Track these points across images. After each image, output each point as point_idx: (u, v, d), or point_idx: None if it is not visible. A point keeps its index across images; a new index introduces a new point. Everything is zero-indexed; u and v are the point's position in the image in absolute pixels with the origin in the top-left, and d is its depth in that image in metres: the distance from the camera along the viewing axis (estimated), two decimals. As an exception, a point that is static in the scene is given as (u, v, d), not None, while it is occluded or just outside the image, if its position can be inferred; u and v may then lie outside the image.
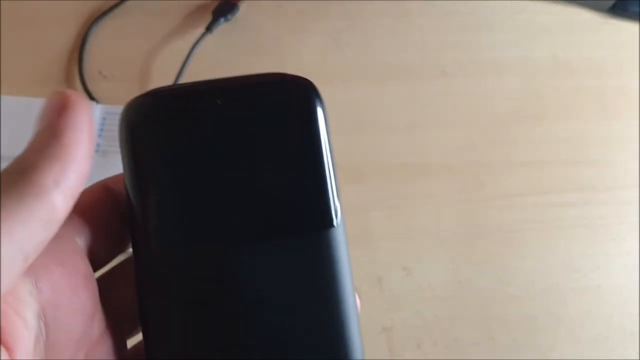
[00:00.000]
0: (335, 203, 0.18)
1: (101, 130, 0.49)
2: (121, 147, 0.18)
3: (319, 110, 0.18)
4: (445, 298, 0.44)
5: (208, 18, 0.53)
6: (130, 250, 0.18)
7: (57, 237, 0.16)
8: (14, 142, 0.48)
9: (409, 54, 0.53)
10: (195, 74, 0.52)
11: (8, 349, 0.14)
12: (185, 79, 0.51)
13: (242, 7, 0.55)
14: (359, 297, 0.44)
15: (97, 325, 0.18)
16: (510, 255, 0.45)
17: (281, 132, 0.18)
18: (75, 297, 0.17)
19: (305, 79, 0.19)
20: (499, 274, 0.45)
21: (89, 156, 0.16)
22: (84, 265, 0.17)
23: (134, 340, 0.21)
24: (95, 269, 0.19)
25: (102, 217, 0.19)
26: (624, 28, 0.55)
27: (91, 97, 0.50)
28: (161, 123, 0.18)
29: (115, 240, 0.19)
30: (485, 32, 0.55)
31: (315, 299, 0.18)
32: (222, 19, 0.53)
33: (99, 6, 0.55)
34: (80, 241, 0.18)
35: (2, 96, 0.50)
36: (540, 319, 0.44)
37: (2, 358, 0.14)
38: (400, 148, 0.49)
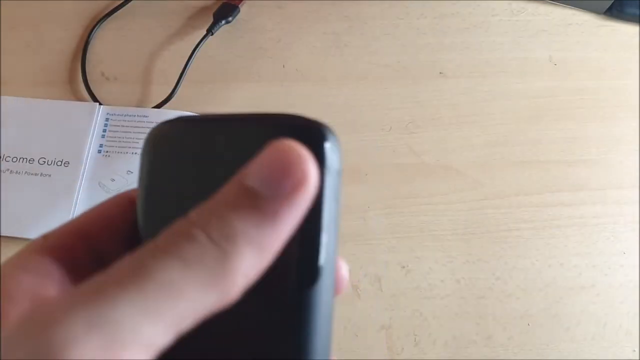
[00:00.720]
0: (319, 261, 0.16)
1: (104, 131, 0.49)
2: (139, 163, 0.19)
3: (328, 158, 0.16)
4: (444, 297, 0.45)
5: (209, 20, 0.54)
6: None
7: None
8: (14, 142, 0.49)
9: (408, 54, 0.54)
10: (197, 75, 0.52)
11: None
12: (187, 80, 0.52)
13: (243, 9, 0.55)
14: (359, 295, 0.45)
15: None
16: (507, 254, 0.46)
17: None
18: None
19: (322, 125, 0.17)
20: (496, 272, 0.45)
21: None
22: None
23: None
24: None
25: (124, 228, 0.18)
26: (621, 30, 0.55)
27: (94, 99, 0.51)
28: (173, 148, 0.18)
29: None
30: (483, 33, 0.55)
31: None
32: (223, 21, 0.54)
33: (101, 8, 0.55)
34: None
35: (2, 96, 0.50)
36: (536, 317, 0.44)
37: None
38: (399, 148, 0.50)
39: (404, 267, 0.45)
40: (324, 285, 0.17)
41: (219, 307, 0.13)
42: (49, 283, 0.16)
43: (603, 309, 0.44)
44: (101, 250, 0.18)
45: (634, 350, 0.43)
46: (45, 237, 0.17)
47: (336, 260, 0.17)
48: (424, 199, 0.48)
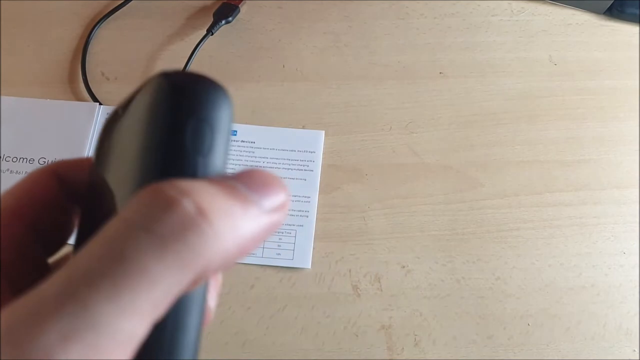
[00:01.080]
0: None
1: (104, 131, 0.49)
2: None
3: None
4: (443, 297, 0.45)
5: (209, 20, 0.54)
6: None
7: None
8: (14, 142, 0.49)
9: (408, 54, 0.54)
10: (196, 75, 0.52)
11: None
12: (187, 80, 0.52)
13: (243, 9, 0.55)
14: (359, 295, 0.45)
15: None
16: (507, 254, 0.46)
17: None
18: None
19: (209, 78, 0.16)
20: (496, 272, 0.45)
21: None
22: None
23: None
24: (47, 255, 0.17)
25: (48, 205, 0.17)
26: (621, 29, 0.55)
27: (94, 99, 0.51)
28: (109, 125, 0.18)
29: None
30: (483, 33, 0.55)
31: None
32: (223, 21, 0.54)
33: (101, 8, 0.55)
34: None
35: (2, 96, 0.50)
36: (536, 317, 0.44)
37: None
38: (399, 148, 0.50)
39: (404, 266, 0.45)
40: None
41: (194, 287, 0.13)
42: None
43: (603, 309, 0.44)
44: (36, 225, 0.17)
45: (634, 350, 0.43)
46: None
47: None
48: (424, 199, 0.48)
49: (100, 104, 0.51)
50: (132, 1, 0.55)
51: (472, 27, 0.55)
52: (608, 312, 0.44)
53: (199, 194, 0.12)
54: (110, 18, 0.55)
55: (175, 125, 0.14)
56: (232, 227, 0.12)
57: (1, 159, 0.48)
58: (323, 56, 0.54)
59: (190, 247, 0.12)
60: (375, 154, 0.49)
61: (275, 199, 0.14)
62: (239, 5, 0.55)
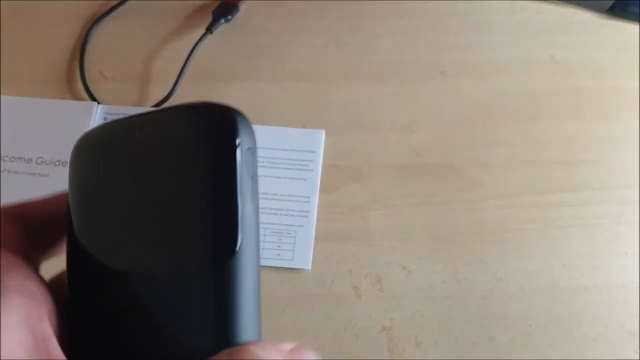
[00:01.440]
0: (237, 232, 0.17)
1: (102, 130, 0.49)
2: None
3: (239, 136, 0.18)
4: (445, 298, 0.44)
5: (208, 19, 0.53)
6: None
7: None
8: (14, 142, 0.48)
9: (409, 54, 0.54)
10: (196, 74, 0.52)
11: None
12: (186, 79, 0.51)
13: (242, 8, 0.55)
14: (360, 296, 0.45)
15: None
16: (509, 255, 0.46)
17: (188, 159, 0.18)
18: None
19: (231, 108, 0.18)
20: (497, 273, 0.45)
21: None
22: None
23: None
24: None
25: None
26: (623, 28, 0.55)
27: (92, 98, 0.51)
28: (96, 153, 0.20)
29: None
30: (484, 32, 0.55)
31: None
32: (222, 20, 0.53)
33: (100, 7, 0.55)
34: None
35: (2, 96, 0.50)
36: (538, 318, 0.44)
37: None
38: (400, 148, 0.50)
39: (405, 267, 0.45)
40: (245, 257, 0.17)
41: None
42: (39, 305, 0.17)
43: (605, 310, 0.44)
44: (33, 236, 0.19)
45: (636, 351, 0.43)
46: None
47: (258, 233, 0.18)
48: (424, 199, 0.47)
49: (99, 103, 0.50)
50: (130, 0, 0.55)
51: (473, 26, 0.55)
52: (610, 313, 0.44)
53: None
54: (108, 17, 0.54)
55: (227, 158, 0.17)
56: None
57: (0, 159, 0.48)
58: (323, 55, 0.53)
59: None
60: (376, 153, 0.49)
61: None
62: (239, 4, 0.54)
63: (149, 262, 0.18)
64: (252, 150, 0.18)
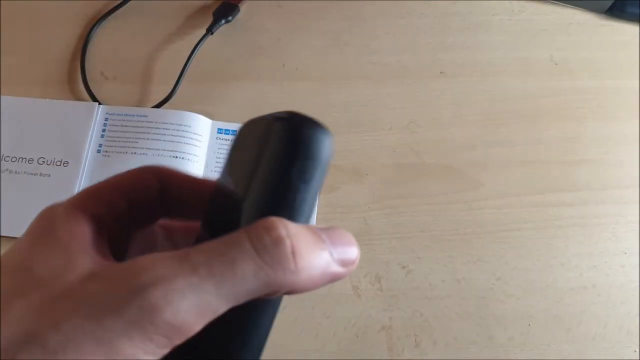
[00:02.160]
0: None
1: (103, 131, 0.49)
2: None
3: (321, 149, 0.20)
4: (444, 297, 0.44)
5: (209, 19, 0.54)
6: None
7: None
8: (14, 142, 0.48)
9: (408, 54, 0.54)
10: (196, 74, 0.52)
11: None
12: (187, 79, 0.51)
13: (243, 8, 0.55)
14: (360, 296, 0.45)
15: None
16: (508, 255, 0.46)
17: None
18: None
19: (318, 122, 0.21)
20: (496, 273, 0.45)
21: None
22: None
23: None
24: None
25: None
26: (622, 29, 0.55)
27: (93, 98, 0.51)
28: (239, 139, 0.22)
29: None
30: (484, 32, 0.55)
31: None
32: (222, 20, 0.53)
33: (101, 7, 0.55)
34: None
35: (3, 96, 0.50)
36: (537, 318, 0.44)
37: None
38: (399, 148, 0.50)
39: (404, 267, 0.45)
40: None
41: (268, 296, 0.18)
42: (100, 241, 0.19)
43: (604, 310, 0.44)
44: (133, 207, 0.21)
45: (635, 351, 0.43)
46: (89, 193, 0.20)
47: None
48: (424, 199, 0.48)
49: (100, 103, 0.50)
50: (131, 1, 0.55)
51: (473, 27, 0.55)
52: (609, 313, 0.44)
53: (297, 239, 0.17)
54: (109, 18, 0.55)
55: (286, 162, 0.19)
56: (309, 269, 0.17)
57: (1, 159, 0.48)
58: (323, 55, 0.54)
59: (276, 274, 0.17)
60: (376, 153, 0.49)
61: (347, 256, 0.19)
62: (239, 5, 0.54)
63: None
64: (313, 160, 0.20)
